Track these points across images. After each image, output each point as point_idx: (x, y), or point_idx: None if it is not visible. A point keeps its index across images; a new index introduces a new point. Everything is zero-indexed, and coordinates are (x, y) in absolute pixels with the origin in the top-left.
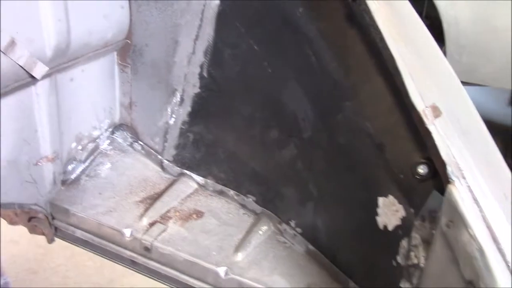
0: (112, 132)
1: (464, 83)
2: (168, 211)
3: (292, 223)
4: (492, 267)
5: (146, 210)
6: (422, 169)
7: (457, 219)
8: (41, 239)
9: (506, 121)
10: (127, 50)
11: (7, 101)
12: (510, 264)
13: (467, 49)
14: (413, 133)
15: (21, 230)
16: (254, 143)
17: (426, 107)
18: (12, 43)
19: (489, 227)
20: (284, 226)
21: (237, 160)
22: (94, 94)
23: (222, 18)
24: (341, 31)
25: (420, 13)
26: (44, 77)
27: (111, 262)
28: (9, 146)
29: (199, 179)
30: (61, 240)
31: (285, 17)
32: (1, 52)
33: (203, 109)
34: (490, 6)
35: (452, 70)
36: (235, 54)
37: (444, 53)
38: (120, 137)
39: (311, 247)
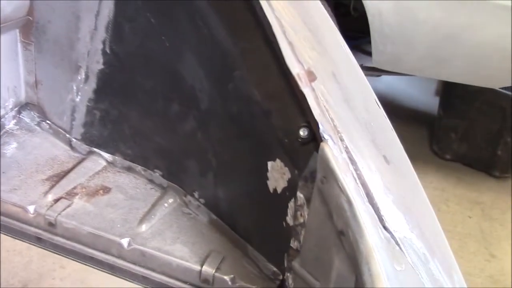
0: (19, 112)
1: (390, 72)
2: (75, 187)
3: (196, 194)
4: (359, 216)
5: (52, 187)
6: (303, 132)
7: (329, 174)
8: None
9: (432, 110)
10: (29, 27)
11: None
12: (384, 218)
13: (391, 39)
14: (295, 99)
15: None
16: (157, 117)
17: (301, 72)
18: None
19: (363, 184)
20: (189, 198)
21: (142, 136)
22: None
23: None
24: (229, 2)
25: (348, 6)
26: None
27: (39, 256)
28: None
29: (107, 156)
30: None
31: None
32: None
33: (107, 85)
34: None
35: (342, 40)
36: (134, 28)
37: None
38: (27, 117)
39: (213, 216)
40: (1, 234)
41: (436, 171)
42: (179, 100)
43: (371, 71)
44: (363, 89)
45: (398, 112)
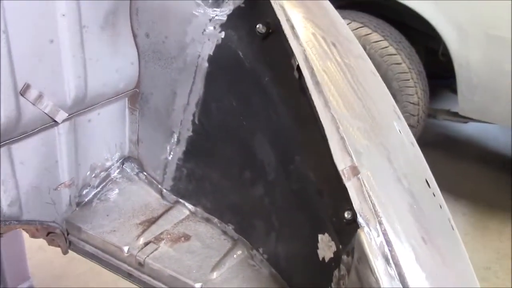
0: (122, 163)
1: (477, 120)
2: (162, 233)
3: (261, 250)
4: None
5: (143, 231)
6: (347, 214)
7: (363, 257)
8: None
9: None
10: (136, 97)
11: (34, 139)
12: None
13: (478, 89)
14: (341, 186)
15: None
16: (233, 180)
17: (345, 167)
18: (40, 96)
19: (396, 264)
20: (255, 251)
21: (220, 193)
22: (108, 132)
23: (209, 78)
24: (295, 98)
25: (436, 51)
26: (65, 120)
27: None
28: (34, 174)
29: (191, 207)
30: None
31: (256, 82)
32: (32, 104)
33: (194, 149)
34: (501, 50)
35: (398, 119)
36: (219, 107)
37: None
38: (128, 168)
39: (273, 270)
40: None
41: None
42: (251, 169)
43: (457, 117)
44: (414, 169)
45: (491, 159)
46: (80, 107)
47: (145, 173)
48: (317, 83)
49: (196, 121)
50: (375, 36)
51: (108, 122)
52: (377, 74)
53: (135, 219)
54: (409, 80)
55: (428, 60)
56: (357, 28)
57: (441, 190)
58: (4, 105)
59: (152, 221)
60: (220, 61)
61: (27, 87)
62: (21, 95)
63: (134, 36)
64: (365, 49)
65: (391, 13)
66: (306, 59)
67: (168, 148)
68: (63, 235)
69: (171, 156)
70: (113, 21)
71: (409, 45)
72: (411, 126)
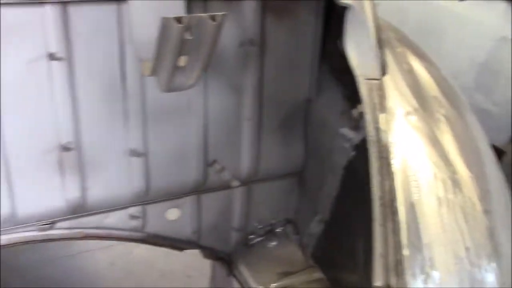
0: (285, 223)
1: None
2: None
3: None
4: None
5: (279, 280)
6: None
7: None
8: None
9: None
10: (300, 178)
11: (216, 193)
12: None
13: None
14: None
15: None
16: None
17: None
18: (222, 169)
19: None
20: None
21: (344, 275)
22: (275, 199)
23: (342, 182)
24: None
25: None
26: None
27: None
28: (213, 217)
29: (321, 275)
30: None
31: (365, 198)
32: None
33: (329, 232)
34: None
35: None
36: (346, 204)
37: None
38: (288, 228)
39: None
40: None
41: None
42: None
43: None
44: None
45: None
46: (252, 179)
47: (298, 236)
48: None
49: (333, 210)
50: None
51: (276, 193)
52: None
53: (277, 268)
54: None
55: None
56: None
57: None
58: (196, 171)
59: (287, 274)
60: (349, 172)
61: (214, 162)
62: (209, 166)
63: (305, 135)
64: None
65: None
66: None
67: (313, 223)
68: (227, 263)
69: (315, 230)
70: (288, 125)
71: None
72: None
